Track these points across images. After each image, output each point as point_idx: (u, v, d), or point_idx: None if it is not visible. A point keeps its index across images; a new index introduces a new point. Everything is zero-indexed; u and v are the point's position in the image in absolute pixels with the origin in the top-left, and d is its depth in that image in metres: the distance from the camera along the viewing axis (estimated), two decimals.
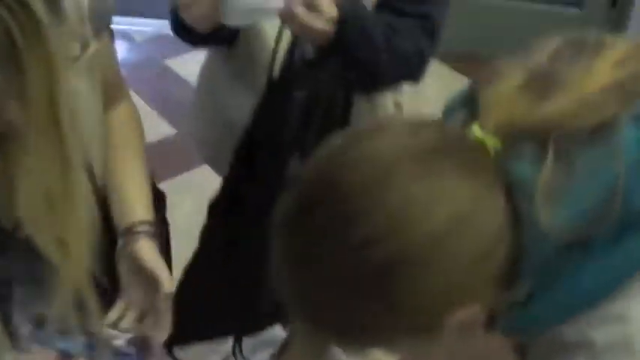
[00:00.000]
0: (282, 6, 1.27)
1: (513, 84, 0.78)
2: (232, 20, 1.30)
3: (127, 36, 3.89)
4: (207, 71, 1.75)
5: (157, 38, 3.91)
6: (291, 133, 1.44)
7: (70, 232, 0.98)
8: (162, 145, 3.20)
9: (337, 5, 1.31)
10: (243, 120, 1.51)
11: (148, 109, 3.35)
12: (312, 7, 1.28)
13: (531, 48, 0.83)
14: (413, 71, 1.50)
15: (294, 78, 1.44)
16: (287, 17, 1.29)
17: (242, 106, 1.54)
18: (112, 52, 1.33)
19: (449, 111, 0.87)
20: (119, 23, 3.96)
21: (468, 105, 0.83)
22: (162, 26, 3.93)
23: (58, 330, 1.16)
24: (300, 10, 1.27)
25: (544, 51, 0.82)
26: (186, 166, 3.03)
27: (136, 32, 3.93)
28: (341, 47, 1.34)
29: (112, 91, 1.28)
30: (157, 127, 3.30)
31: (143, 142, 1.35)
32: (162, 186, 1.46)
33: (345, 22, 1.31)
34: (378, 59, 1.40)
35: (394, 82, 1.56)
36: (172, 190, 1.58)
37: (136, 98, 3.15)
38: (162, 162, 3.08)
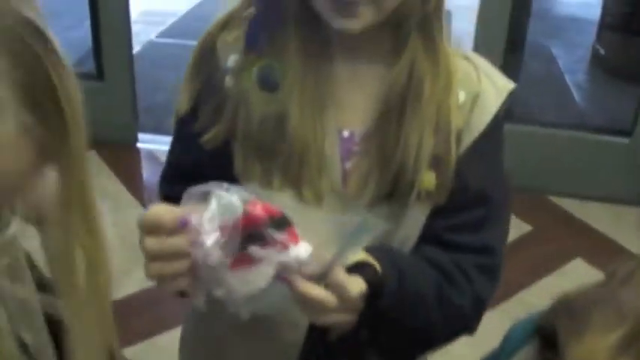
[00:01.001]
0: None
1: (607, 344, 0.69)
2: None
3: (152, 156, 3.86)
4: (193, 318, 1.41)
5: None
6: None
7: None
8: None
9: (365, 272, 1.05)
10: None
11: None
12: (333, 289, 1.00)
13: (619, 274, 0.77)
14: (469, 325, 1.22)
15: None
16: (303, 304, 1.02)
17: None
18: None
19: (511, 343, 0.81)
20: (144, 141, 3.95)
21: (539, 342, 0.75)
22: None
23: None
24: (316, 294, 0.99)
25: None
26: None
27: (161, 152, 3.87)
28: (380, 323, 1.09)
29: None
30: None
31: None
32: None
33: (380, 295, 1.06)
34: (429, 322, 1.15)
35: (445, 342, 1.25)
36: None
37: None
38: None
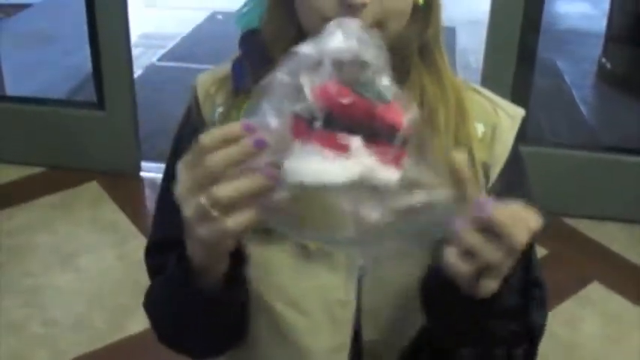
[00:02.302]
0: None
1: None
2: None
3: (155, 185, 3.76)
4: None
5: None
6: None
7: None
8: None
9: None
10: None
11: None
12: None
13: None
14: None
15: None
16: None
17: None
18: None
19: None
20: (147, 170, 3.88)
21: None
22: None
23: None
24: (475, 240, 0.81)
25: None
26: None
27: None
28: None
29: None
30: None
31: None
32: None
33: None
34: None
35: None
36: None
37: None
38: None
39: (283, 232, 0.91)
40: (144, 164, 3.91)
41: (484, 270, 0.82)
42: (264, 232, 1.03)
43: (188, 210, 0.83)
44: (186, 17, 6.99)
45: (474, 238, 0.81)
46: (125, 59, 3.78)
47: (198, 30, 6.75)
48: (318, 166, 0.76)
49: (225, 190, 0.79)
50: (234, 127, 0.80)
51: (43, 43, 5.74)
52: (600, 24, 5.66)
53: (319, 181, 0.77)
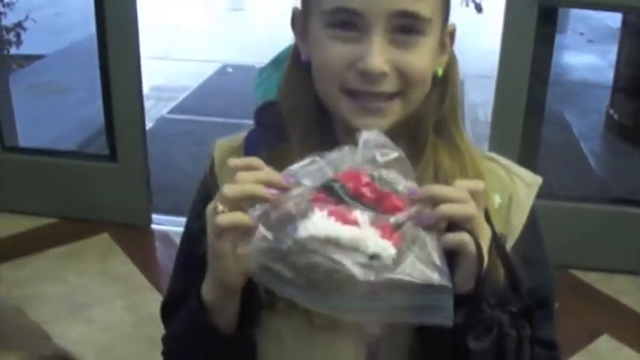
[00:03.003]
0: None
1: None
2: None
3: (166, 238, 3.78)
4: None
5: None
6: None
7: None
8: None
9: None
10: None
11: None
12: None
13: None
14: None
15: None
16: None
17: None
18: None
19: None
20: (158, 223, 3.90)
21: None
22: None
23: None
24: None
25: None
26: None
27: (176, 234, 3.77)
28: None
29: None
30: None
31: None
32: None
33: None
34: None
35: None
36: None
37: None
38: None
39: (291, 298, 0.93)
40: (155, 217, 3.92)
41: (470, 231, 0.91)
42: (269, 302, 1.04)
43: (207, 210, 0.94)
44: (197, 70, 7.06)
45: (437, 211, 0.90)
46: (137, 112, 3.82)
47: (208, 82, 6.81)
48: (327, 223, 0.88)
49: (233, 189, 0.91)
50: (258, 161, 0.94)
51: (56, 95, 5.80)
52: (607, 75, 5.69)
53: (325, 234, 0.87)
